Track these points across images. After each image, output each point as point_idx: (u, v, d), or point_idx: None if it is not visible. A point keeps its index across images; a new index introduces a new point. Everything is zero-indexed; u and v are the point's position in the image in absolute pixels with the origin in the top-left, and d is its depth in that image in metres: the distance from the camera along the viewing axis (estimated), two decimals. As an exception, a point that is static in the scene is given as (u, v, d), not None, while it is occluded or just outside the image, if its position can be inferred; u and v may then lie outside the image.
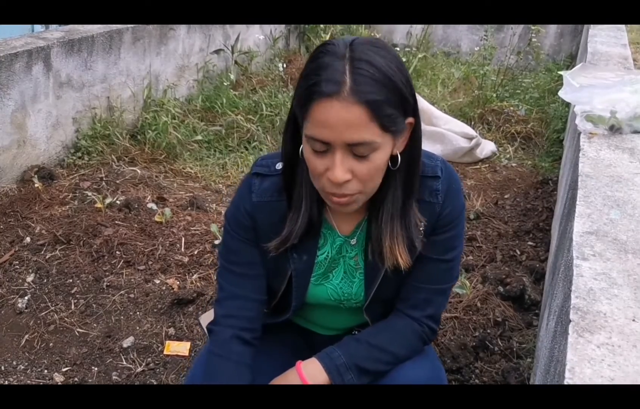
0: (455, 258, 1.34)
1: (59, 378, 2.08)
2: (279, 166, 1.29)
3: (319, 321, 1.51)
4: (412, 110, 1.16)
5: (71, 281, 2.55)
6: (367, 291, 1.35)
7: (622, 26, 4.01)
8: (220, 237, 2.83)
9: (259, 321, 1.36)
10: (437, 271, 1.33)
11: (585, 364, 0.93)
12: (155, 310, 2.41)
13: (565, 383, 0.90)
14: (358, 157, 1.10)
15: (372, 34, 6.09)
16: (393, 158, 1.17)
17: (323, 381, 1.27)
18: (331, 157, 1.10)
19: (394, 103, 1.08)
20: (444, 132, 3.97)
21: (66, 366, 2.13)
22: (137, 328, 2.33)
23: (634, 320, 1.04)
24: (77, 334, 2.28)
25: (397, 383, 1.29)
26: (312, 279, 1.36)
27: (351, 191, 1.13)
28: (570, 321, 1.03)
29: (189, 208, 3.15)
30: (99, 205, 3.01)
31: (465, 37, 6.35)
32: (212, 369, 1.32)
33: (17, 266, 2.62)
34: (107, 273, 2.60)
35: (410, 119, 1.16)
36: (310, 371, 1.29)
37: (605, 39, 3.55)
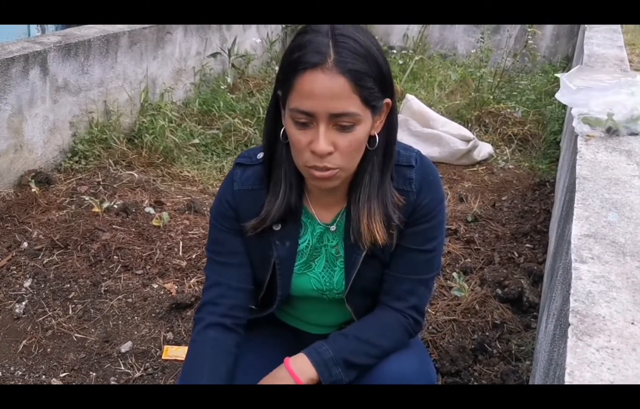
0: (435, 249, 1.37)
1: (57, 384, 2.08)
2: (260, 155, 1.34)
3: (307, 318, 1.53)
4: (390, 90, 1.22)
5: (69, 286, 2.54)
6: (346, 278, 1.38)
7: (618, 28, 4.03)
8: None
9: (243, 309, 1.39)
10: (417, 261, 1.36)
11: (585, 368, 0.93)
12: (153, 315, 2.41)
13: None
14: (341, 130, 1.15)
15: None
16: (371, 139, 1.23)
17: (311, 376, 1.29)
18: (315, 130, 1.15)
19: (374, 77, 1.15)
20: (441, 134, 3.97)
21: (64, 372, 2.13)
22: (135, 332, 2.32)
23: (633, 323, 1.04)
24: (74, 339, 2.27)
25: (384, 377, 1.31)
26: (295, 269, 1.40)
27: (333, 164, 1.18)
28: (569, 324, 1.03)
29: (187, 212, 3.14)
30: (96, 209, 3.01)
31: (461, 39, 6.36)
32: (190, 356, 1.35)
33: (15, 271, 2.61)
34: (105, 278, 2.59)
35: (387, 100, 1.22)
36: (299, 366, 1.31)
37: (601, 40, 3.56)
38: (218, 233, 1.39)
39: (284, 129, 1.23)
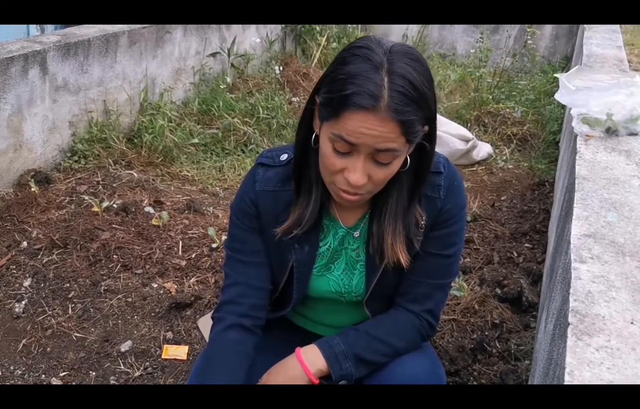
0: (455, 254, 1.37)
1: (56, 383, 2.08)
2: (284, 157, 1.34)
3: (321, 319, 1.53)
4: (432, 120, 1.18)
5: (68, 285, 2.54)
6: (367, 283, 1.38)
7: (617, 28, 4.03)
8: (218, 241, 2.83)
9: (262, 309, 1.38)
10: (437, 266, 1.35)
11: (585, 368, 0.93)
12: (153, 314, 2.41)
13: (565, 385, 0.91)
14: (378, 164, 1.14)
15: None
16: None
17: (321, 367, 1.30)
18: (353, 159, 1.13)
19: (421, 120, 1.12)
20: (441, 134, 3.97)
21: (64, 371, 2.13)
22: (135, 332, 2.32)
23: (632, 323, 1.04)
24: (74, 338, 2.28)
25: (395, 377, 1.31)
26: (314, 270, 1.39)
27: (363, 191, 1.18)
28: (569, 323, 1.04)
29: (186, 211, 3.14)
30: (95, 209, 3.01)
31: (460, 39, 6.37)
32: (208, 356, 1.35)
33: (14, 271, 2.61)
34: (105, 277, 2.59)
35: (425, 128, 1.18)
36: (310, 357, 1.31)
37: (600, 41, 3.56)
38: (239, 231, 1.38)
39: (315, 135, 1.21)
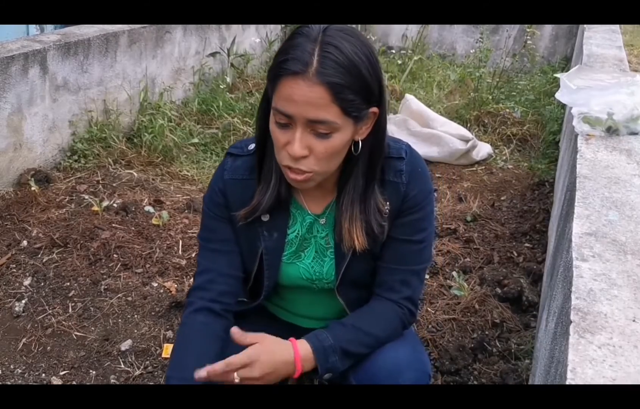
0: (425, 240, 1.39)
1: (56, 382, 2.07)
2: (251, 147, 1.37)
3: (297, 310, 1.55)
4: (377, 100, 1.22)
5: (68, 284, 2.54)
6: (337, 270, 1.40)
7: (617, 28, 4.04)
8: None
9: (233, 295, 1.41)
10: (408, 252, 1.38)
11: (587, 365, 0.94)
12: (153, 313, 2.41)
13: (567, 383, 0.91)
14: (317, 136, 1.17)
15: (368, 36, 6.10)
16: (355, 144, 1.25)
17: (311, 361, 1.31)
18: (292, 132, 1.17)
19: (356, 90, 1.15)
20: (440, 134, 3.98)
21: (64, 370, 2.13)
22: (135, 331, 2.32)
23: (634, 320, 1.04)
24: (74, 337, 2.27)
25: (377, 366, 1.33)
26: (284, 258, 1.41)
27: (306, 167, 1.20)
28: (570, 321, 1.04)
29: (186, 211, 3.14)
30: (95, 208, 3.01)
31: (460, 39, 6.37)
32: (179, 339, 1.37)
33: (14, 270, 2.61)
34: (105, 276, 2.59)
35: (374, 109, 1.23)
36: (303, 350, 1.31)
37: (600, 41, 3.57)
38: (209, 221, 1.41)
39: None
